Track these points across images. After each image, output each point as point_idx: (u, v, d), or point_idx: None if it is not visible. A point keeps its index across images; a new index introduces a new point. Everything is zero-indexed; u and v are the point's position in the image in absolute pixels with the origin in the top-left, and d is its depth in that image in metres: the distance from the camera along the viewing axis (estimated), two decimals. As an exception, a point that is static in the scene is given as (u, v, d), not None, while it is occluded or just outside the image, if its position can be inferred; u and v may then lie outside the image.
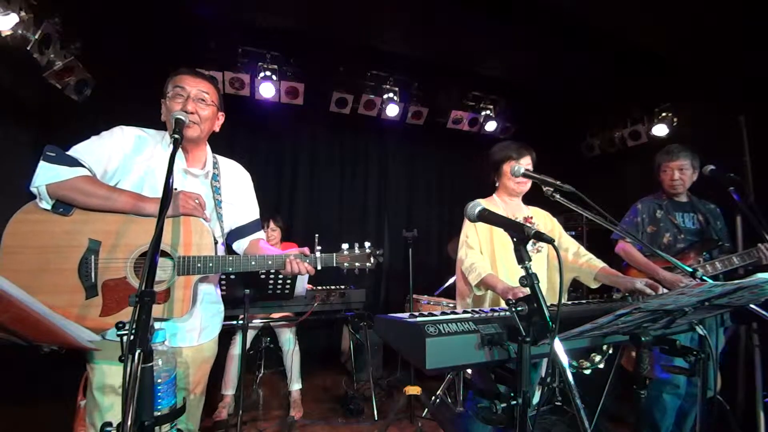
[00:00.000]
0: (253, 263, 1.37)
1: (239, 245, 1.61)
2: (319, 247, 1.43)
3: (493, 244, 1.86)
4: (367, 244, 1.46)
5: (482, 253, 1.84)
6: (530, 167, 1.87)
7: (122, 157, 1.36)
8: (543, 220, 2.02)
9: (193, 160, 1.46)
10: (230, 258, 1.36)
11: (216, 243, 1.38)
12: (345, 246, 1.45)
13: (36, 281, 1.17)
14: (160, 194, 1.22)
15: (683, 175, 2.34)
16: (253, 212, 1.62)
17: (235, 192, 1.56)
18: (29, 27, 2.66)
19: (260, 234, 1.63)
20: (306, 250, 1.43)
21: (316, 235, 1.53)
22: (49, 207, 1.23)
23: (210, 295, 1.48)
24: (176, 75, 1.41)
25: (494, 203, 1.97)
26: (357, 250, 1.46)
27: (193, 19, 3.22)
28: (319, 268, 1.41)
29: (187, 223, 1.33)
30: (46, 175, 1.21)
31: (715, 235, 2.29)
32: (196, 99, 1.39)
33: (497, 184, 2.01)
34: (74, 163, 1.26)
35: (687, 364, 1.22)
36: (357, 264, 1.45)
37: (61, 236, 1.23)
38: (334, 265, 1.43)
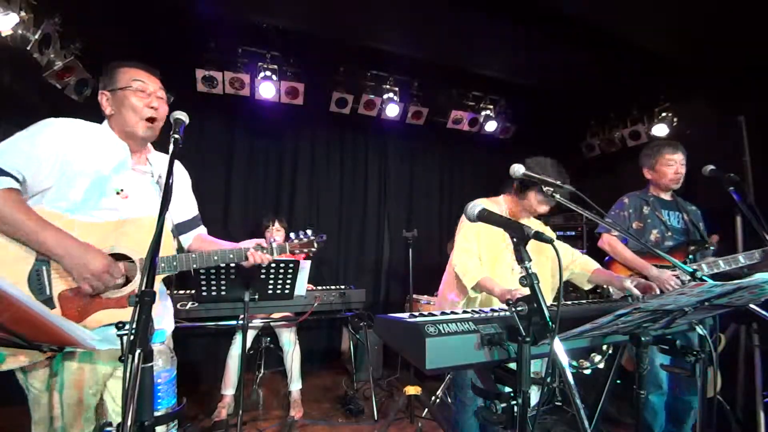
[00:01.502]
0: (215, 258, 1.41)
1: (185, 240, 1.60)
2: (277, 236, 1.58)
3: (495, 250, 1.85)
4: (309, 231, 1.63)
5: (481, 259, 1.82)
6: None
7: (60, 160, 1.21)
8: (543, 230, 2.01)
9: (138, 159, 1.43)
10: (193, 255, 1.37)
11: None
12: (293, 235, 1.63)
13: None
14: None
15: (683, 169, 2.33)
16: (193, 208, 1.63)
17: (175, 188, 1.54)
18: (29, 27, 2.65)
19: (201, 229, 1.64)
20: (263, 241, 1.50)
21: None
22: None
23: (162, 293, 1.48)
24: (130, 67, 1.35)
25: (497, 204, 1.95)
26: (303, 238, 1.61)
27: (193, 19, 3.22)
28: (275, 256, 1.51)
29: (146, 224, 1.30)
30: None
31: (700, 237, 2.28)
32: (157, 96, 1.37)
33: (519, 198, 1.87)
34: None
35: (687, 363, 1.22)
36: (305, 250, 1.61)
37: (2, 250, 1.13)
38: (288, 252, 1.57)
